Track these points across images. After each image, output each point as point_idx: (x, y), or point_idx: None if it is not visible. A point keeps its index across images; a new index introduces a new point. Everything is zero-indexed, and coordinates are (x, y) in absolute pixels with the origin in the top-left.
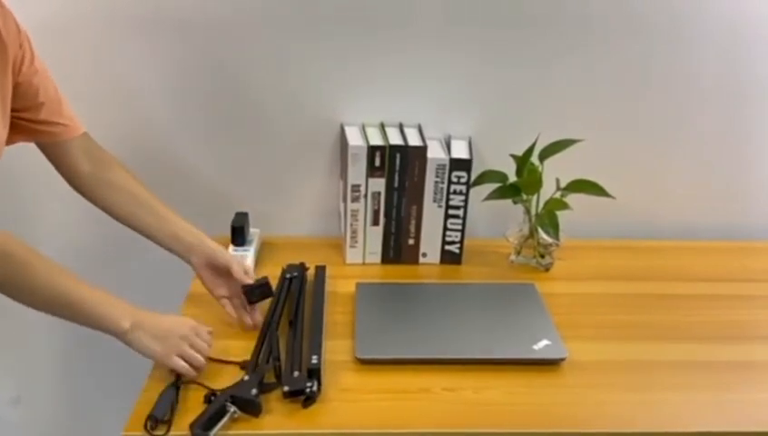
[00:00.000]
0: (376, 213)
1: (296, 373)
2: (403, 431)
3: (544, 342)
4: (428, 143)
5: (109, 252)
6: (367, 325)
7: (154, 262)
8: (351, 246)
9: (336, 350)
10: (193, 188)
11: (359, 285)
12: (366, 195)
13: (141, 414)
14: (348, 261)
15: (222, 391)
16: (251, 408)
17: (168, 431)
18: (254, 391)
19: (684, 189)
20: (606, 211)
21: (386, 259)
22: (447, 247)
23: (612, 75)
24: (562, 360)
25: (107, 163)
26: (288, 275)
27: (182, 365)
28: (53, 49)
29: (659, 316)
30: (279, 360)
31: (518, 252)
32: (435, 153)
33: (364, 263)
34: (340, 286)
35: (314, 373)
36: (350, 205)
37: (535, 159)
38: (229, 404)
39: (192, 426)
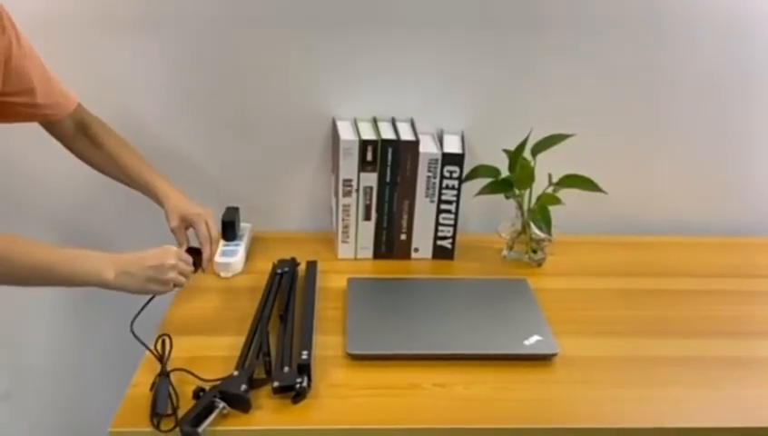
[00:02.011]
0: (368, 207)
1: (286, 369)
2: (393, 426)
3: (535, 338)
4: (421, 137)
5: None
6: (358, 321)
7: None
8: (343, 241)
9: (327, 345)
10: (184, 183)
11: (350, 280)
12: (358, 190)
13: (128, 410)
14: (339, 256)
15: (212, 386)
16: (240, 403)
17: (176, 425)
18: (244, 387)
19: (677, 184)
20: (599, 206)
21: (378, 254)
22: (439, 242)
23: (604, 71)
24: (553, 355)
25: (88, 124)
26: (279, 270)
27: (175, 288)
28: (45, 45)
29: (652, 312)
30: (269, 355)
31: (511, 248)
32: (427, 147)
33: (356, 258)
34: (332, 281)
35: (304, 369)
36: (342, 200)
37: (527, 154)
38: (218, 400)
39: (180, 422)
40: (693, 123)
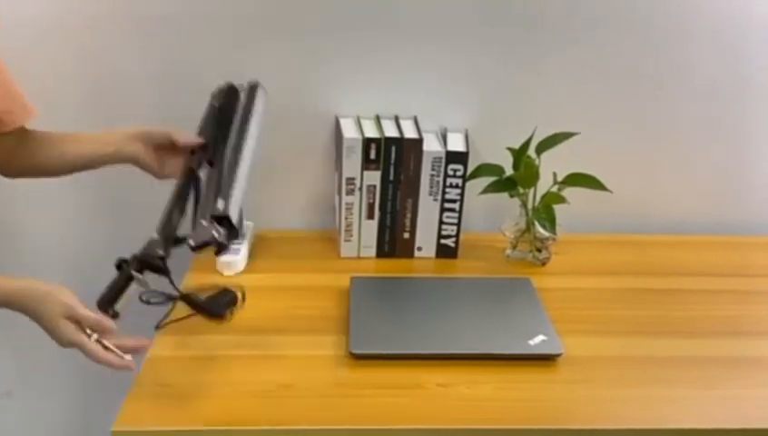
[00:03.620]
0: (371, 206)
1: (203, 222)
2: (396, 427)
3: (540, 338)
4: (424, 135)
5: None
6: (361, 320)
7: None
8: (346, 240)
9: (330, 344)
10: None
11: (353, 279)
12: (361, 188)
13: (130, 411)
14: (342, 254)
15: (131, 256)
16: (156, 268)
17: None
18: (160, 252)
19: (681, 183)
20: (604, 205)
21: (381, 253)
22: (442, 241)
23: (608, 69)
24: (558, 355)
25: (29, 133)
26: (215, 103)
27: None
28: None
29: (656, 311)
30: (185, 211)
31: (514, 247)
32: (431, 145)
33: (359, 257)
34: (334, 280)
35: (221, 220)
36: (345, 198)
37: (531, 152)
38: (134, 273)
39: (98, 300)
40: (698, 122)
